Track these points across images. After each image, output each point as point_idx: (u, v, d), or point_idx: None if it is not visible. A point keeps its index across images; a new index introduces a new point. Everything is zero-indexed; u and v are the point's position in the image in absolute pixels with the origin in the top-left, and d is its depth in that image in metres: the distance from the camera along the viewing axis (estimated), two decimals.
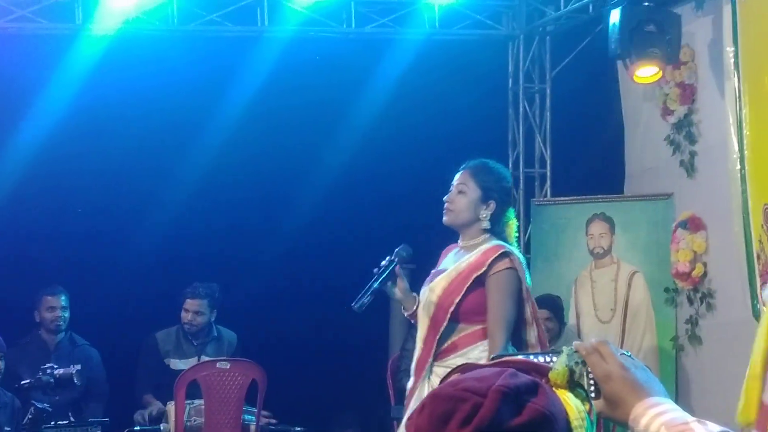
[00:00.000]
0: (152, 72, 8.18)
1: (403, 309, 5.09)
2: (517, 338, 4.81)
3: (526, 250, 8.73)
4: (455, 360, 4.71)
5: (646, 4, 7.41)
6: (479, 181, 4.85)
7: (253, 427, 7.16)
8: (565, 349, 1.76)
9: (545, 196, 8.87)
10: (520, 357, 1.80)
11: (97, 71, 7.96)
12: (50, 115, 7.93)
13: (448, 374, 1.71)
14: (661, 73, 7.43)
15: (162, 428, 7.15)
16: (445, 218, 4.92)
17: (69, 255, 8.08)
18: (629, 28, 7.36)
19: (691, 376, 7.69)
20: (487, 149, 8.88)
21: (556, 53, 8.87)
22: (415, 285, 5.10)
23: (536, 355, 1.83)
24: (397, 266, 4.99)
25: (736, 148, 7.23)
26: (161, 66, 8.19)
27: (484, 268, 4.69)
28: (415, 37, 8.48)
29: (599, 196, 8.35)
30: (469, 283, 4.72)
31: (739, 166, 7.13)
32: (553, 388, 1.65)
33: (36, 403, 6.44)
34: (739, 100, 7.24)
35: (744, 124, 7.19)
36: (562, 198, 8.69)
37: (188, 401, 7.04)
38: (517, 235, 5.04)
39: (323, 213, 8.55)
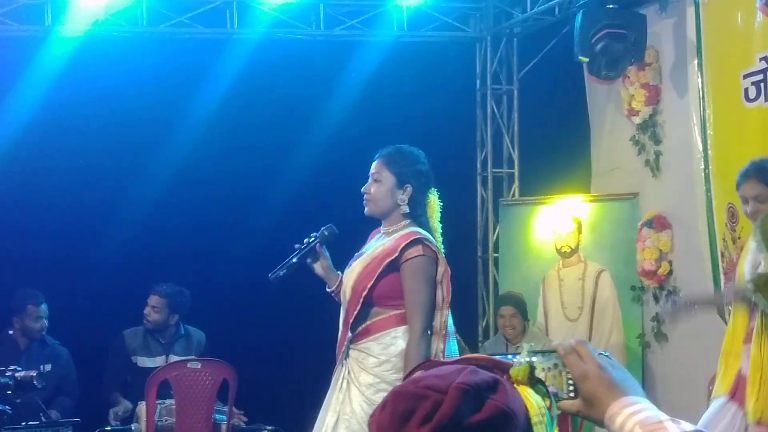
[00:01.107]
0: (122, 73, 8.15)
1: (327, 286, 5.07)
2: None
3: (495, 249, 8.78)
4: (368, 344, 4.72)
5: (611, 6, 7.43)
6: (393, 167, 4.81)
7: (224, 427, 7.12)
8: (525, 345, 1.74)
9: (513, 196, 8.91)
10: (483, 354, 1.77)
11: (67, 72, 7.95)
12: (20, 116, 7.89)
13: (412, 371, 1.70)
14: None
15: (133, 428, 7.11)
16: (366, 209, 4.89)
17: (38, 254, 8.00)
18: (594, 30, 7.39)
19: (657, 373, 7.73)
20: (456, 150, 8.96)
21: (523, 55, 8.92)
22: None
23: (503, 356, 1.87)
24: (318, 244, 5.01)
25: (700, 147, 7.28)
26: (131, 67, 8.17)
27: (396, 254, 4.66)
28: (384, 39, 8.52)
29: (566, 195, 8.37)
30: (381, 269, 4.69)
31: (703, 166, 7.17)
32: (514, 385, 1.65)
33: None
34: (703, 101, 7.29)
35: (708, 125, 7.24)
36: (530, 198, 8.73)
37: (159, 401, 6.99)
38: (437, 214, 4.95)
39: (292, 213, 8.47)
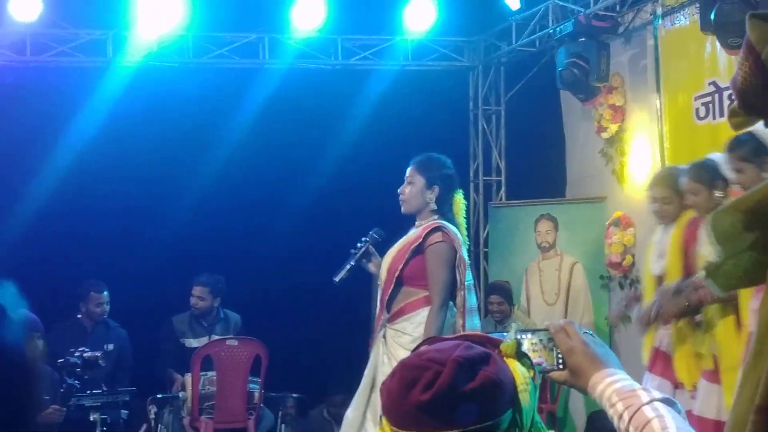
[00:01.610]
0: (171, 97, 8.10)
1: (378, 280, 5.06)
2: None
3: (485, 245, 8.80)
4: (402, 324, 4.74)
5: (582, 39, 7.43)
6: (423, 171, 4.89)
7: (257, 394, 7.11)
8: (514, 325, 1.76)
9: (500, 199, 8.90)
10: (478, 332, 1.78)
11: (125, 96, 7.93)
12: (87, 133, 7.88)
13: (418, 345, 1.68)
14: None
15: (181, 396, 7.09)
16: (402, 208, 4.97)
17: (101, 251, 8.01)
18: (571, 62, 7.43)
19: (621, 349, 7.76)
20: (452, 160, 8.96)
21: (509, 81, 8.91)
22: None
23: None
24: (370, 246, 5.05)
25: (659, 159, 7.27)
26: (178, 92, 8.12)
27: (420, 240, 4.71)
28: (392, 68, 8.52)
29: (545, 199, 8.37)
30: (408, 253, 4.73)
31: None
32: (504, 358, 1.62)
33: (67, 379, 6.44)
34: (661, 119, 7.30)
35: (665, 139, 7.25)
36: (515, 201, 8.72)
37: (202, 373, 6.97)
38: (465, 210, 5.01)
39: (314, 215, 8.49)
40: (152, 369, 7.51)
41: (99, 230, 8.19)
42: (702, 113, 6.89)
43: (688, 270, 5.13)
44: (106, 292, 7.38)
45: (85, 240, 8.09)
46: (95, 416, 6.45)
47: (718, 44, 6.52)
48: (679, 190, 5.22)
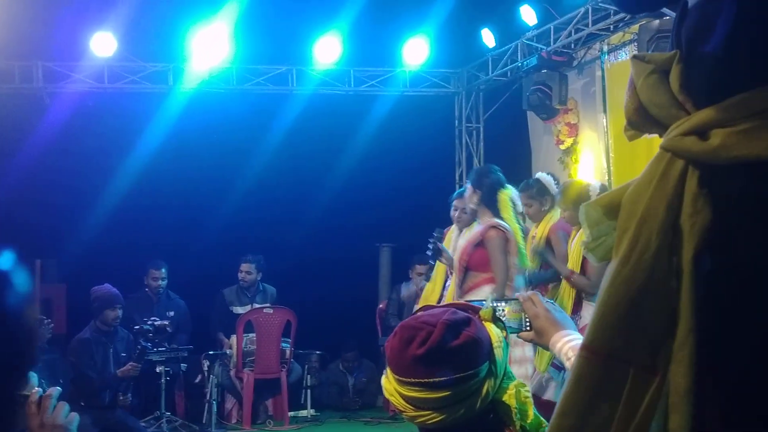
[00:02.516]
0: (219, 116, 8.04)
1: (449, 268, 5.17)
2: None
3: None
4: (468, 297, 4.70)
5: (545, 71, 7.36)
6: (471, 180, 5.02)
7: (288, 351, 7.08)
8: (489, 297, 1.79)
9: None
10: (462, 301, 1.80)
11: (183, 117, 7.86)
12: (152, 146, 7.78)
13: (416, 311, 1.69)
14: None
15: (228, 353, 7.06)
16: (467, 213, 5.12)
17: (167, 239, 7.86)
18: (535, 88, 7.34)
19: None
20: (441, 167, 8.88)
21: (487, 104, 8.80)
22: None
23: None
24: (439, 244, 5.18)
25: (605, 165, 7.19)
26: (225, 112, 8.06)
27: (480, 238, 4.76)
28: (393, 93, 8.42)
29: None
30: (472, 248, 4.78)
31: (607, 178, 7.08)
32: (482, 322, 1.64)
33: (141, 342, 6.38)
34: (607, 134, 7.20)
35: (610, 150, 7.16)
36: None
37: (245, 334, 6.96)
38: (512, 206, 4.93)
39: (332, 210, 8.44)
40: (206, 330, 7.43)
41: (165, 222, 8.08)
42: None
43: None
44: (164, 269, 7.27)
45: (154, 230, 7.99)
46: (160, 368, 6.41)
47: None
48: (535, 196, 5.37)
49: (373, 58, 8.28)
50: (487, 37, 8.03)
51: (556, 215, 5.13)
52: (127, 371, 6.13)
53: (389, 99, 8.37)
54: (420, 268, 7.50)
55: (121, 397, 6.16)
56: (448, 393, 1.53)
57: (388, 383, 1.61)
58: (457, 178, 8.88)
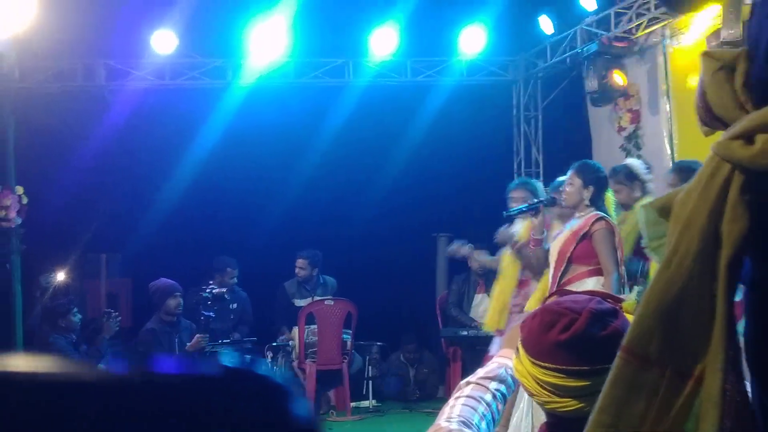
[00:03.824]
0: (278, 110, 8.21)
1: (533, 233, 5.18)
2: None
3: None
4: (571, 289, 4.77)
5: (607, 56, 7.47)
6: (580, 175, 4.92)
7: (349, 343, 7.27)
8: (636, 287, 1.83)
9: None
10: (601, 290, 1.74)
11: (242, 111, 8.05)
12: (212, 141, 8.05)
13: (549, 296, 1.69)
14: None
15: (290, 344, 7.28)
16: (564, 203, 5.01)
17: (229, 234, 8.18)
18: (596, 75, 7.45)
19: None
20: (499, 156, 9.01)
21: (545, 91, 8.86)
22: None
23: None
24: (542, 205, 5.14)
25: (669, 152, 7.25)
26: (284, 106, 8.23)
27: (586, 229, 4.76)
28: (451, 83, 8.52)
29: None
30: (577, 239, 4.78)
31: (671, 165, 7.20)
32: (625, 314, 1.60)
33: (204, 312, 6.72)
34: (670, 120, 7.27)
35: (674, 136, 7.24)
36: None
37: (307, 326, 7.17)
38: (614, 207, 5.04)
39: (390, 202, 8.59)
40: (268, 323, 7.66)
41: (225, 217, 8.39)
42: None
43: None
44: (237, 269, 7.58)
45: (215, 225, 8.32)
46: None
47: None
48: (622, 182, 5.37)
49: (429, 48, 8.40)
50: (545, 24, 8.14)
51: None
52: (196, 343, 6.50)
53: (446, 89, 8.47)
54: (478, 254, 7.71)
55: None
56: (588, 383, 1.51)
57: (520, 365, 1.60)
58: (515, 167, 8.95)
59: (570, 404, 1.54)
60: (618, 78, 7.44)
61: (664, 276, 1.09)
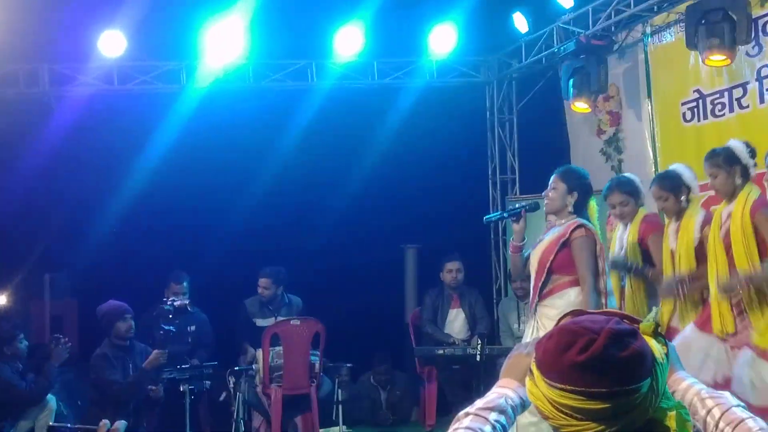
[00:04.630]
0: (235, 115, 8.11)
1: (513, 239, 5.12)
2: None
3: (503, 233, 8.73)
4: (552, 300, 4.75)
5: (583, 56, 7.38)
6: (565, 180, 4.89)
7: (317, 365, 7.10)
8: (655, 309, 1.79)
9: (515, 194, 8.79)
10: (617, 310, 1.76)
11: (197, 116, 7.94)
12: (165, 149, 7.90)
13: (563, 317, 1.69)
14: (588, 109, 7.45)
15: (254, 368, 7.09)
16: (545, 209, 4.97)
17: (183, 249, 8.02)
18: (573, 74, 7.36)
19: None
20: (473, 162, 8.93)
21: (520, 92, 8.84)
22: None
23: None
24: (524, 210, 5.05)
25: (651, 156, 7.24)
26: (241, 111, 8.13)
27: (566, 236, 4.72)
28: (419, 85, 8.46)
29: None
30: (557, 247, 4.73)
31: (653, 169, 7.12)
32: (642, 335, 1.63)
33: (163, 326, 6.54)
34: (652, 122, 7.26)
35: (656, 139, 7.21)
36: (527, 195, 8.62)
37: (271, 348, 6.96)
38: (598, 215, 5.00)
39: (357, 214, 8.50)
40: (230, 345, 7.52)
41: (180, 230, 8.23)
42: (688, 117, 6.85)
43: (644, 256, 5.31)
44: (185, 282, 7.37)
45: (169, 238, 8.14)
46: (184, 387, 6.51)
47: (700, 57, 6.46)
48: (632, 193, 5.33)
49: (397, 48, 8.35)
50: (520, 22, 8.08)
51: (754, 192, 4.69)
52: (154, 360, 6.32)
53: (415, 91, 8.41)
54: (451, 265, 7.58)
55: (154, 388, 6.33)
56: (607, 405, 1.53)
57: (535, 387, 1.61)
58: (489, 173, 8.92)
59: (589, 427, 1.54)
60: (581, 105, 7.35)
61: None
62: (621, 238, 5.49)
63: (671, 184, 5.13)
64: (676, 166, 5.33)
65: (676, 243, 5.07)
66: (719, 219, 4.78)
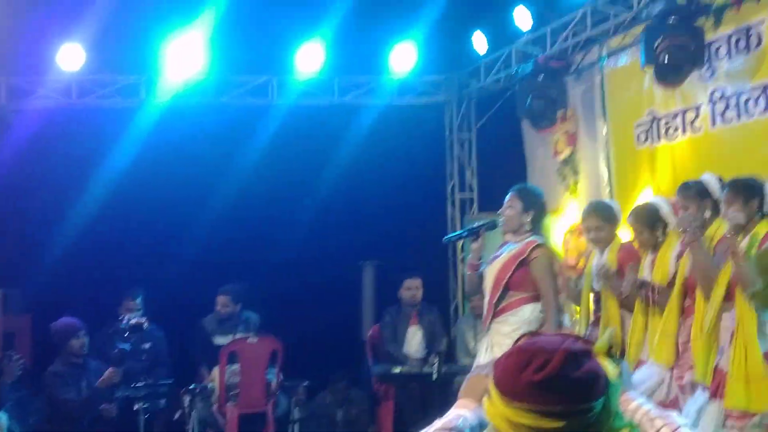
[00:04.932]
0: (195, 130, 8.07)
1: (470, 258, 5.18)
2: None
3: (461, 251, 8.78)
4: (506, 317, 4.81)
5: (540, 77, 7.44)
6: (521, 198, 4.97)
7: (274, 383, 7.08)
8: (608, 330, 1.85)
9: (474, 213, 8.87)
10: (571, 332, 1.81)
11: (156, 131, 7.88)
12: (124, 164, 7.83)
13: (519, 338, 1.73)
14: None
15: (209, 386, 7.04)
16: (503, 227, 5.04)
17: (140, 265, 7.92)
18: (531, 96, 7.44)
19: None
20: (432, 180, 8.97)
21: (479, 112, 8.91)
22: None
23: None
24: (482, 229, 5.10)
25: (606, 177, 7.30)
26: (201, 126, 8.10)
27: (524, 255, 4.80)
28: (380, 103, 8.50)
29: None
30: (515, 265, 4.81)
31: (608, 189, 7.20)
32: (596, 355, 1.67)
33: (118, 344, 6.47)
34: (607, 143, 7.32)
35: (610, 160, 7.28)
36: (486, 213, 8.66)
37: (228, 366, 6.95)
38: (549, 233, 5.17)
39: (317, 230, 8.47)
40: (186, 363, 7.45)
41: (138, 246, 8.15)
42: (642, 138, 6.91)
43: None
44: (139, 299, 7.30)
45: (126, 255, 8.06)
46: (138, 405, 6.46)
47: (654, 79, 6.57)
48: (609, 219, 5.39)
49: (357, 66, 8.38)
50: (479, 43, 8.15)
51: (722, 228, 4.61)
52: (108, 379, 6.24)
53: (375, 109, 8.45)
54: (410, 283, 7.61)
55: (107, 407, 6.25)
56: (562, 424, 1.56)
57: (492, 406, 1.63)
58: (448, 191, 8.97)
59: None
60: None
61: None
62: (597, 266, 5.49)
63: (647, 219, 5.16)
64: (655, 200, 5.39)
65: (651, 275, 5.12)
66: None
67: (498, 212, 5.08)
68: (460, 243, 7.95)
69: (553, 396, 1.55)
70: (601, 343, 1.70)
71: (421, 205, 8.72)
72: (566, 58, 7.54)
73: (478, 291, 5.25)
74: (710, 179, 4.85)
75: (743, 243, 4.33)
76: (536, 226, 4.95)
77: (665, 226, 5.13)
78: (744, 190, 4.45)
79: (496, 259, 5.01)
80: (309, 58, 8.05)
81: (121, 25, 7.24)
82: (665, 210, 5.17)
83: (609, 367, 1.66)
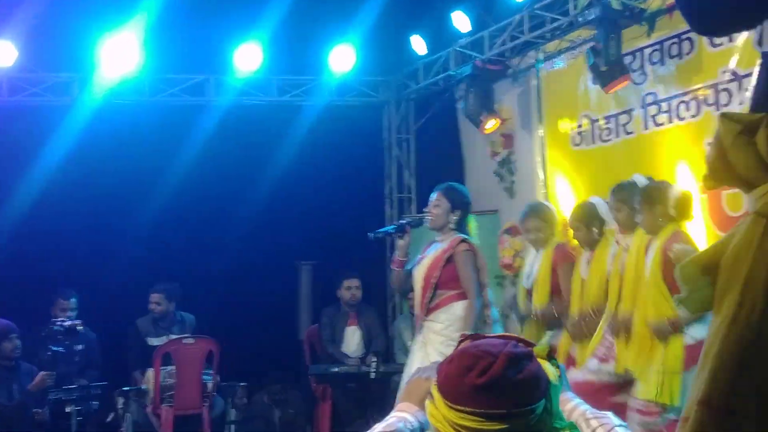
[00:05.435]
0: (130, 130, 7.95)
1: (397, 254, 5.26)
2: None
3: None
4: (437, 314, 4.91)
5: (478, 80, 7.43)
6: (448, 197, 5.09)
7: (210, 385, 7.04)
8: (547, 333, 1.92)
9: (412, 213, 8.80)
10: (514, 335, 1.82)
11: (89, 130, 7.72)
12: (56, 163, 7.69)
13: (462, 340, 1.75)
14: (498, 123, 7.52)
15: (143, 388, 6.99)
16: (428, 225, 5.12)
17: (73, 266, 7.77)
18: (469, 97, 7.49)
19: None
20: (370, 181, 8.99)
21: (418, 113, 8.93)
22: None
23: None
24: (408, 226, 5.21)
25: (542, 177, 7.39)
26: (136, 126, 7.97)
27: (450, 252, 4.93)
28: (320, 103, 8.45)
29: None
30: (442, 263, 4.92)
31: (544, 190, 7.30)
32: (537, 359, 1.71)
33: (51, 346, 6.37)
34: (543, 145, 7.43)
35: (546, 162, 7.38)
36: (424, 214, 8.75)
37: (163, 367, 6.90)
38: (475, 232, 5.20)
39: (255, 230, 8.44)
40: (119, 365, 7.35)
41: (70, 247, 7.98)
42: (576, 140, 7.02)
43: (553, 284, 5.45)
44: (73, 299, 7.20)
45: (58, 256, 7.88)
46: (70, 408, 6.38)
47: (589, 82, 6.68)
48: (548, 220, 5.53)
49: (296, 66, 8.34)
50: (418, 44, 8.18)
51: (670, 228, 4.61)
52: (40, 382, 6.14)
53: (314, 109, 8.41)
54: (349, 283, 7.61)
55: (39, 411, 6.15)
56: (504, 426, 1.58)
57: (435, 410, 1.65)
58: (387, 191, 8.99)
59: None
60: (491, 123, 7.48)
61: (733, 331, 1.23)
62: (532, 264, 5.63)
63: (584, 217, 5.28)
64: (594, 199, 5.50)
65: (588, 273, 5.20)
66: (642, 250, 4.70)
67: (424, 210, 5.16)
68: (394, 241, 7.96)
69: (496, 399, 1.58)
70: (541, 346, 1.73)
71: (360, 205, 8.73)
72: (503, 61, 7.61)
73: (405, 287, 5.38)
74: (642, 180, 4.96)
75: (653, 247, 4.56)
76: (461, 225, 5.08)
77: (602, 224, 5.25)
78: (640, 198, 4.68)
79: (423, 258, 5.11)
80: (247, 57, 7.98)
81: (55, 23, 7.10)
82: (603, 209, 5.30)
83: (549, 369, 1.71)
